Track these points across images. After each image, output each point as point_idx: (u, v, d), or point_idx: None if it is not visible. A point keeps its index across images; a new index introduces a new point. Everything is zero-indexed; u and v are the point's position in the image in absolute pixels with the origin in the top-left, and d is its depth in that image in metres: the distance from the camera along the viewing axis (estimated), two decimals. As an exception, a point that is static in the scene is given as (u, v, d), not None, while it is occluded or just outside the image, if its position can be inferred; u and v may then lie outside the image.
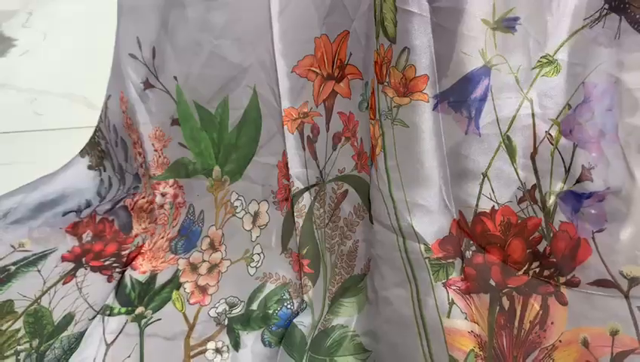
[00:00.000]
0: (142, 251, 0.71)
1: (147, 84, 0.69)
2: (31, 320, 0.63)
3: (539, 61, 0.44)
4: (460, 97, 0.45)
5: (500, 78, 0.44)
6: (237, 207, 0.67)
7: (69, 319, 0.64)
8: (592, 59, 0.43)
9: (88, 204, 0.79)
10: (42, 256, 0.72)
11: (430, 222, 0.48)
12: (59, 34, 1.26)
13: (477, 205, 0.47)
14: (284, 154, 0.62)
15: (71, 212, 0.77)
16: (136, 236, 0.74)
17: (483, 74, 0.44)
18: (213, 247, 0.68)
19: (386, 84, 0.47)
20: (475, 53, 0.43)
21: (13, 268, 0.69)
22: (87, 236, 0.75)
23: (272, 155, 0.64)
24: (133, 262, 0.70)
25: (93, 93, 0.94)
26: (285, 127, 0.61)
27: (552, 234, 0.46)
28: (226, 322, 0.62)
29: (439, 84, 0.45)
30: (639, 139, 0.41)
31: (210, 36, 0.64)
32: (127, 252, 0.72)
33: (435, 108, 0.46)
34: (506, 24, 0.43)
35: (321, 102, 0.59)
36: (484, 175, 0.47)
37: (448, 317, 0.48)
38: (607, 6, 0.42)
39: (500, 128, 0.45)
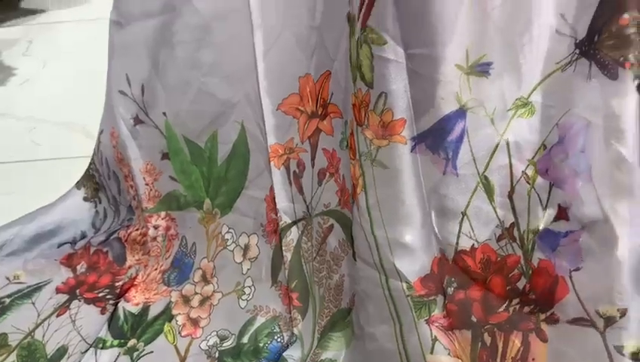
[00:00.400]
0: (135, 283, 0.72)
1: (137, 120, 0.71)
2: (24, 354, 0.64)
3: (513, 103, 0.45)
4: (437, 139, 0.46)
5: (476, 121, 0.45)
6: (228, 239, 0.68)
7: (62, 352, 0.65)
8: (564, 101, 0.44)
9: (83, 236, 0.80)
10: (37, 288, 0.73)
11: (412, 261, 0.48)
12: (58, 62, 1.28)
13: (457, 243, 0.48)
14: (272, 188, 0.63)
15: (66, 243, 0.78)
16: (129, 267, 0.75)
17: (459, 117, 0.45)
18: (205, 280, 0.69)
19: (365, 126, 0.48)
20: (451, 97, 0.45)
21: (7, 300, 0.70)
22: (81, 267, 0.76)
23: (261, 189, 0.65)
24: (127, 294, 0.71)
25: (91, 122, 0.95)
26: (272, 162, 0.62)
27: (531, 272, 0.47)
28: (217, 355, 0.63)
29: (416, 126, 0.46)
30: (609, 180, 0.42)
31: (198, 74, 0.65)
32: (120, 283, 0.73)
33: (413, 150, 0.47)
34: (480, 69, 0.44)
35: (306, 138, 0.60)
36: (464, 214, 0.47)
37: (431, 353, 0.48)
38: (577, 50, 0.43)
39: (477, 168, 0.46)
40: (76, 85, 1.16)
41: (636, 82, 0.40)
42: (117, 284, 0.73)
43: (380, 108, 0.46)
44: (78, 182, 0.84)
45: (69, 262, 0.76)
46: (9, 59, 1.30)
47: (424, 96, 0.45)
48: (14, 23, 1.45)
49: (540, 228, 0.46)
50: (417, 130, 0.46)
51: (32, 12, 1.49)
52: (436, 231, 0.48)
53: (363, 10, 0.45)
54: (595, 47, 0.42)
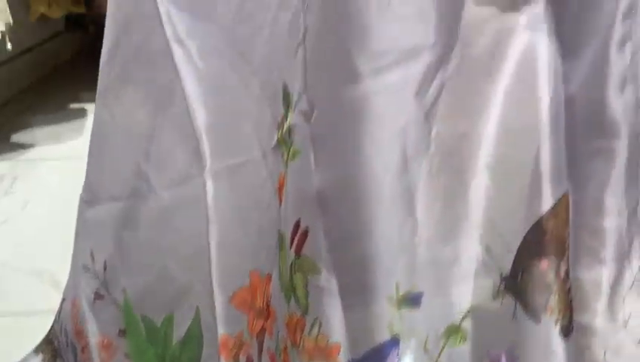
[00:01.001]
0: None
1: (98, 296, 0.71)
2: None
3: (445, 329, 0.46)
4: (372, 365, 0.46)
5: (409, 348, 0.46)
6: None
7: None
8: (494, 332, 0.45)
9: (35, 407, 0.78)
10: None
11: None
12: (39, 202, 1.30)
13: None
14: (222, 378, 0.62)
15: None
16: None
17: (392, 345, 0.46)
18: None
19: (300, 348, 0.48)
20: (383, 326, 0.45)
21: None
22: None
23: (213, 376, 0.64)
24: None
25: (62, 272, 0.95)
26: (221, 356, 0.61)
27: None
28: None
29: (351, 353, 0.47)
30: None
31: (159, 257, 0.67)
32: None
33: (349, 375, 0.47)
34: (411, 299, 0.46)
35: (254, 335, 0.60)
36: None
37: None
38: (504, 284, 0.45)
39: (414, 390, 0.46)
40: (52, 229, 1.17)
41: (557, 327, 0.41)
42: None
43: (315, 333, 0.47)
44: (37, 346, 0.83)
45: None
46: (-8, 198, 1.33)
47: (357, 324, 0.46)
48: (2, 158, 1.50)
49: None
50: (353, 355, 0.47)
51: (21, 146, 1.54)
52: None
53: (296, 240, 0.47)
54: (519, 286, 0.43)
